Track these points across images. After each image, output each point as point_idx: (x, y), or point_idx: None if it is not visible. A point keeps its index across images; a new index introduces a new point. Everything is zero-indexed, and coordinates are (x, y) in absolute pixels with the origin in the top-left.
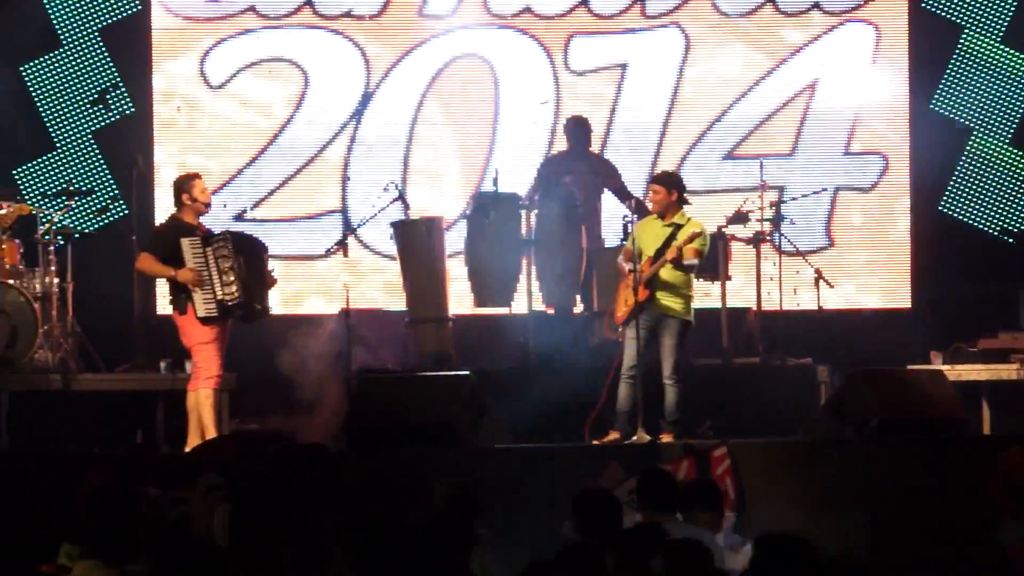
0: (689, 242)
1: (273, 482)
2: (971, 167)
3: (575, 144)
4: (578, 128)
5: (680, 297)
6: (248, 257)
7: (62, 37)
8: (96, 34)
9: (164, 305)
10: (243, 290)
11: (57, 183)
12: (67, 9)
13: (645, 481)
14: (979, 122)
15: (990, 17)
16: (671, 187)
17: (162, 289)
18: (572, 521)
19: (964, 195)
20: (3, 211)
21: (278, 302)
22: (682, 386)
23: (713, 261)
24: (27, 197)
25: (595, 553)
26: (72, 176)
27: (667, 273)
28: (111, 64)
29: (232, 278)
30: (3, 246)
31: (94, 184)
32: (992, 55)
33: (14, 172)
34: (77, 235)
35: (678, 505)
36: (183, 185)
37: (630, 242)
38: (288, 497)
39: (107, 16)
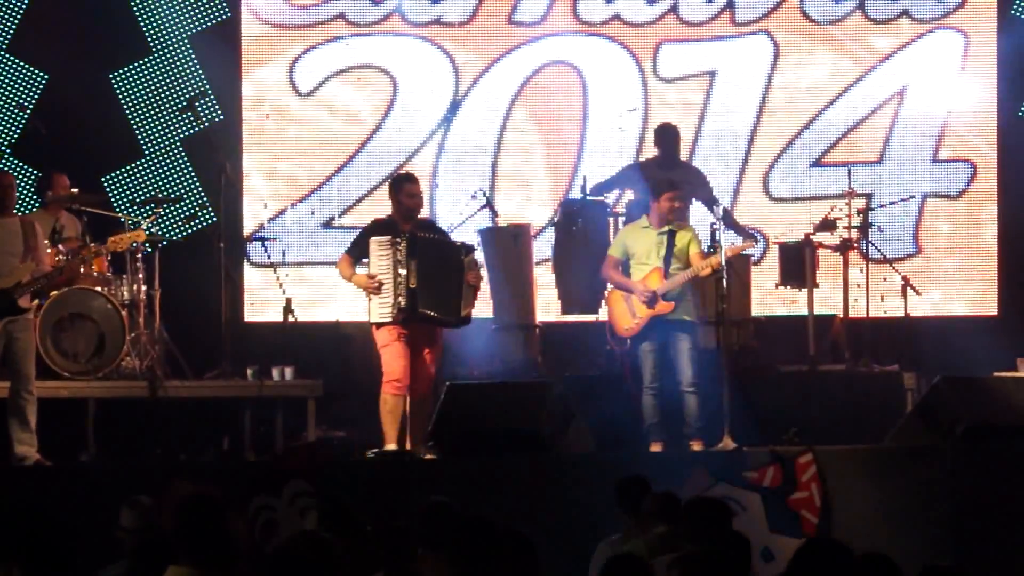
0: (704, 257)
1: (359, 488)
2: None
3: (665, 152)
4: (669, 136)
5: (691, 303)
6: (434, 261)
7: (152, 44)
8: (185, 41)
9: (251, 312)
10: (408, 295)
11: (145, 190)
12: (157, 16)
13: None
14: None
15: None
16: None
17: (249, 295)
18: None
19: None
20: (116, 237)
21: (364, 309)
22: (701, 394)
23: (800, 268)
24: (116, 204)
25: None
26: (160, 183)
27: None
28: (200, 71)
29: (400, 280)
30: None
31: (182, 191)
32: None
33: (103, 179)
34: (165, 242)
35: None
36: (392, 186)
37: (616, 248)
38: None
39: (196, 23)
